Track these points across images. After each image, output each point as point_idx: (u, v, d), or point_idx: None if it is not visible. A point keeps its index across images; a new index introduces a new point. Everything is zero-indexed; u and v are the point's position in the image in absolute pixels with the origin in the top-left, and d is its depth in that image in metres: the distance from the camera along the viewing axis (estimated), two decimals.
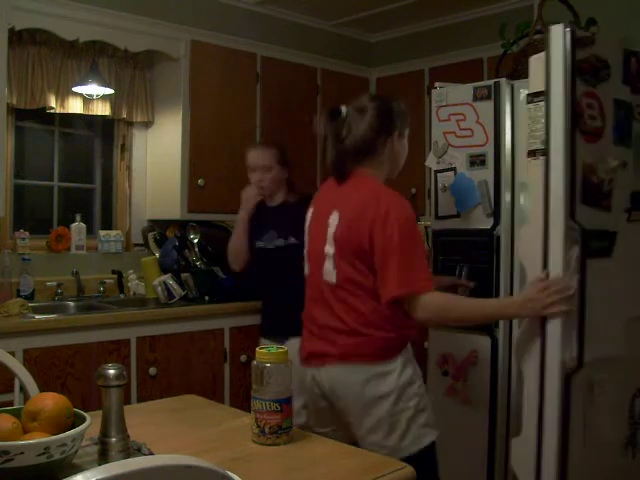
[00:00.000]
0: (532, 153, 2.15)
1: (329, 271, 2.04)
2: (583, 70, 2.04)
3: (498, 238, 2.57)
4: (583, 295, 2.00)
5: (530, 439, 2.07)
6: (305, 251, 2.21)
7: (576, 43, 2.01)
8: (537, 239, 2.07)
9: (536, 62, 2.12)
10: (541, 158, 2.09)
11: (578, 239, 2.00)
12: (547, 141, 2.05)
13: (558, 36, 2.03)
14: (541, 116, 2.09)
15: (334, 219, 2.04)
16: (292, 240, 3.00)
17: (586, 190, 2.05)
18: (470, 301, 2.03)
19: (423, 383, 2.06)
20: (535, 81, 2.13)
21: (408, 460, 1.83)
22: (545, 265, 2.03)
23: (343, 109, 2.11)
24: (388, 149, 2.09)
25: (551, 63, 2.04)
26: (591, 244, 2.03)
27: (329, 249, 2.04)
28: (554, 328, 2.00)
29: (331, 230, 2.04)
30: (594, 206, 2.08)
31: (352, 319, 1.99)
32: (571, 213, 2.01)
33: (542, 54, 2.08)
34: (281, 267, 3.04)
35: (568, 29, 2.02)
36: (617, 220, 2.16)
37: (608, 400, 2.12)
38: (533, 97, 2.14)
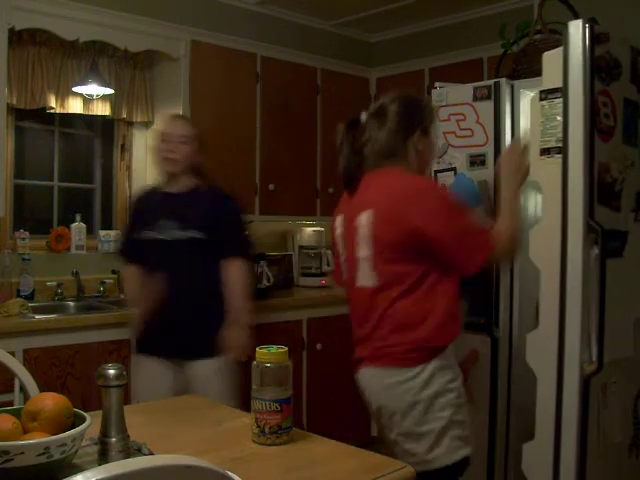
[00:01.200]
0: (546, 151, 2.10)
1: (365, 275, 1.95)
2: (600, 68, 2.00)
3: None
4: (603, 297, 1.96)
5: (546, 444, 2.03)
6: (343, 259, 2.09)
7: (595, 39, 1.97)
8: (553, 239, 2.02)
9: (551, 58, 2.08)
10: (556, 156, 2.05)
11: (598, 239, 1.95)
12: (565, 139, 2.01)
13: (577, 32, 1.99)
14: (557, 113, 2.05)
15: (366, 219, 1.93)
16: (195, 233, 2.55)
17: (600, 189, 2.02)
18: (502, 217, 1.93)
19: (463, 394, 1.94)
20: (550, 78, 2.08)
21: (437, 473, 1.84)
22: (563, 265, 1.99)
23: (363, 116, 2.05)
24: (411, 150, 1.98)
25: (569, 59, 1.99)
26: (608, 244, 1.99)
27: (363, 252, 1.94)
28: (573, 331, 1.96)
29: (364, 231, 1.94)
30: (606, 206, 2.05)
31: (387, 323, 1.90)
32: (590, 213, 1.98)
33: (556, 50, 2.03)
34: (176, 266, 2.56)
35: (587, 25, 1.98)
36: (627, 220, 2.14)
37: (619, 401, 2.10)
38: (547, 94, 2.09)
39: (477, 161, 2.64)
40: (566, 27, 2.02)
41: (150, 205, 2.68)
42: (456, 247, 1.84)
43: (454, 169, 2.70)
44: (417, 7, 3.94)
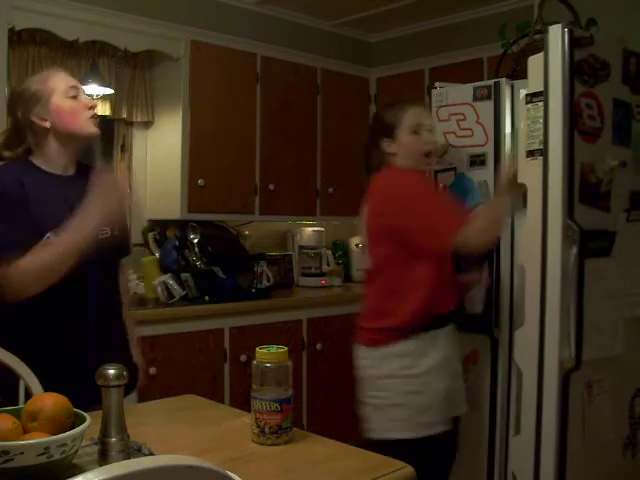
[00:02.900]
0: (531, 153, 2.16)
1: (364, 258, 2.32)
2: (582, 70, 2.06)
3: (498, 238, 2.57)
4: (581, 295, 2.02)
5: (529, 438, 2.09)
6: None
7: (574, 43, 2.03)
8: (536, 239, 2.08)
9: (534, 62, 2.14)
10: (540, 158, 2.10)
11: (576, 239, 2.01)
12: (545, 141, 2.07)
13: (556, 37, 2.04)
14: (540, 116, 2.10)
15: (365, 212, 2.28)
16: (117, 231, 1.94)
17: (584, 190, 2.07)
18: (482, 209, 2.29)
19: (419, 383, 2.14)
20: (534, 81, 2.14)
21: (377, 444, 2.04)
22: (544, 264, 2.04)
23: None
24: (385, 156, 2.29)
25: (549, 64, 2.05)
26: (589, 244, 2.05)
27: (363, 239, 2.33)
28: (552, 328, 2.02)
29: (362, 222, 2.30)
30: (592, 206, 2.09)
31: (368, 306, 2.27)
32: (569, 213, 2.03)
33: (540, 54, 2.09)
34: (101, 272, 1.91)
35: (566, 29, 2.03)
36: (616, 220, 2.17)
37: (608, 400, 2.13)
38: (532, 97, 2.15)
39: (477, 161, 2.64)
40: (546, 32, 2.08)
41: (50, 194, 1.87)
42: (422, 229, 2.09)
43: (454, 169, 2.70)
44: (417, 7, 3.94)
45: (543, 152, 2.08)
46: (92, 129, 1.92)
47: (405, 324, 2.13)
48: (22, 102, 1.87)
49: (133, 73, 3.69)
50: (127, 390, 1.87)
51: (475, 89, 2.66)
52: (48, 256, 1.72)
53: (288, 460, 1.40)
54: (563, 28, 2.05)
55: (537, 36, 2.69)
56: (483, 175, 2.61)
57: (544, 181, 2.07)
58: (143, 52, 3.60)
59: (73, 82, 1.92)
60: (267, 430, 1.46)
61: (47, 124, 1.87)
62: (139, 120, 3.75)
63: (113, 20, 3.35)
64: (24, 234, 1.76)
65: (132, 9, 3.42)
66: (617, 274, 2.17)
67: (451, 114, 2.72)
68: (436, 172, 2.77)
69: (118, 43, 3.42)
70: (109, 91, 3.51)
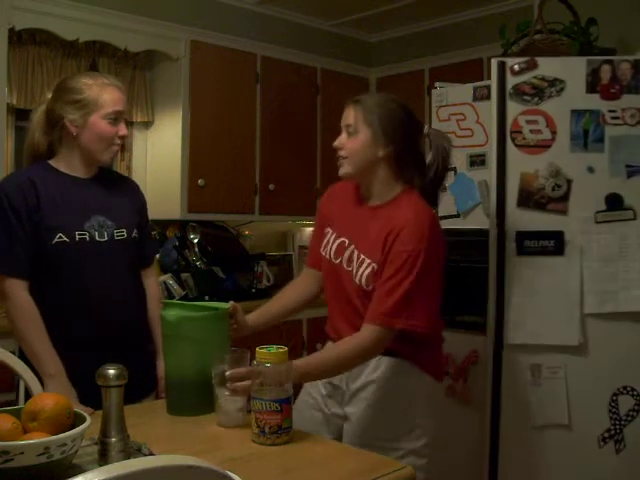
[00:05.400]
0: None
1: None
2: (522, 92, 2.36)
3: None
4: (501, 288, 2.35)
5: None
6: None
7: (506, 71, 2.36)
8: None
9: None
10: None
11: (496, 239, 2.34)
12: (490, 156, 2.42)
13: (494, 67, 2.38)
14: None
15: None
16: (135, 233, 1.96)
17: (524, 196, 2.35)
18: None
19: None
20: None
21: None
22: (488, 262, 2.42)
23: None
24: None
25: (491, 91, 2.40)
26: (526, 243, 2.35)
27: None
28: (490, 316, 2.38)
29: None
30: (537, 209, 2.35)
31: None
32: (499, 216, 2.34)
33: None
34: (119, 276, 1.91)
35: (496, 61, 2.38)
36: (572, 221, 2.33)
37: (562, 386, 2.33)
38: None
39: (477, 161, 2.64)
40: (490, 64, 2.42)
41: (66, 196, 1.87)
42: None
43: (454, 169, 2.70)
44: (417, 7, 3.94)
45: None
46: (106, 157, 1.93)
47: None
48: (65, 99, 1.86)
49: (133, 73, 3.69)
50: (141, 396, 1.92)
51: (475, 89, 2.67)
52: (31, 337, 1.78)
53: (288, 460, 1.40)
54: (497, 61, 2.38)
55: (537, 36, 2.69)
56: (483, 175, 2.61)
57: (487, 190, 2.41)
58: (143, 52, 3.60)
59: (121, 107, 1.90)
60: (267, 430, 1.46)
61: (74, 131, 1.87)
62: (139, 120, 3.75)
63: (113, 20, 3.35)
64: (28, 248, 1.80)
65: (132, 9, 3.42)
66: (571, 271, 2.33)
67: (451, 114, 2.72)
68: None
69: (118, 43, 3.42)
70: None
